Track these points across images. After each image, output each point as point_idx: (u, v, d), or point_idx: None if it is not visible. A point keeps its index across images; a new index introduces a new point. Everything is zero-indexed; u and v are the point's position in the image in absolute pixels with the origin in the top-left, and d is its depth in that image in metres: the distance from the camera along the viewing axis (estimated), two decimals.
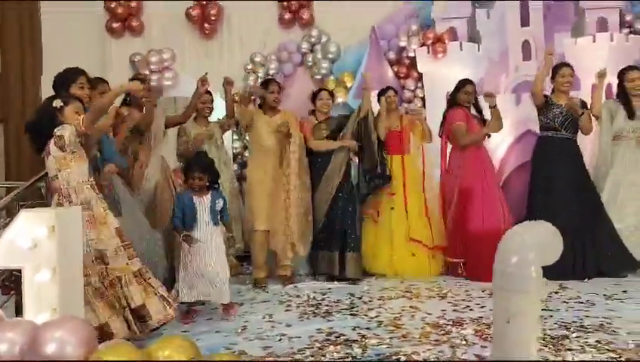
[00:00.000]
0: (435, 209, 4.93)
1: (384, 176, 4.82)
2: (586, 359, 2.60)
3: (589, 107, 4.80)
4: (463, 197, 4.71)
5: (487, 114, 4.95)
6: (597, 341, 2.87)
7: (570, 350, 2.74)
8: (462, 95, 4.87)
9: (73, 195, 2.95)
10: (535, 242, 1.15)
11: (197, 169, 3.66)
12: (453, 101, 4.95)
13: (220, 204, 3.68)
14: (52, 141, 2.96)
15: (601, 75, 4.86)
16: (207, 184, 3.70)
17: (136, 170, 4.20)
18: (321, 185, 4.73)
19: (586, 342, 2.85)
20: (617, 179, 4.70)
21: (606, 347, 2.78)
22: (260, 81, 5.88)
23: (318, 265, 4.73)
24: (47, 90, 3.99)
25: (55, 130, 2.94)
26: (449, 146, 4.94)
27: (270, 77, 5.79)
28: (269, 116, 4.78)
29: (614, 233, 4.57)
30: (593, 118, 4.81)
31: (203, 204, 3.65)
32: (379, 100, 5.05)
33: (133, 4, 6.33)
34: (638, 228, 4.62)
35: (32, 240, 2.19)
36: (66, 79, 3.45)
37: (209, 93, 4.92)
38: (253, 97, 4.78)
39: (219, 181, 3.85)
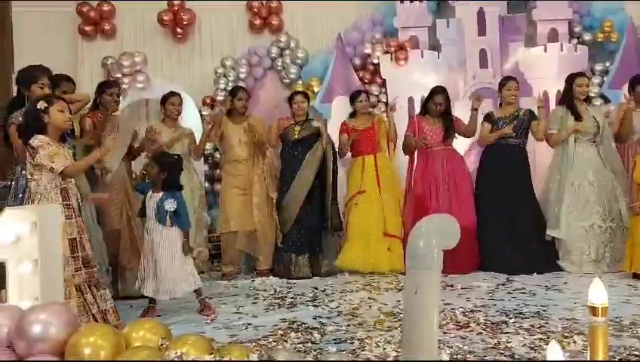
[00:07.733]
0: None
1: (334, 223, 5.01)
2: (519, 340, 2.92)
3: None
4: (414, 200, 5.02)
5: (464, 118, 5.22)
6: (531, 325, 3.20)
7: (506, 333, 3.06)
8: (430, 104, 5.16)
9: (37, 200, 2.97)
10: (436, 230, 1.45)
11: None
12: (423, 108, 5.28)
13: (169, 205, 3.65)
14: (28, 147, 3.02)
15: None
16: (164, 181, 3.72)
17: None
18: (294, 189, 4.93)
19: (521, 327, 3.17)
20: (577, 180, 4.90)
21: (537, 330, 3.11)
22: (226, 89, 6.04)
23: (283, 266, 4.90)
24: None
25: (31, 141, 2.99)
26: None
27: (238, 85, 5.99)
28: (235, 123, 5.03)
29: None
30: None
31: (153, 199, 3.73)
32: (351, 103, 5.29)
33: (106, 7, 6.46)
34: (601, 227, 4.79)
35: (15, 235, 2.39)
36: (28, 76, 3.50)
37: (178, 95, 5.01)
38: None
39: (178, 187, 3.82)
